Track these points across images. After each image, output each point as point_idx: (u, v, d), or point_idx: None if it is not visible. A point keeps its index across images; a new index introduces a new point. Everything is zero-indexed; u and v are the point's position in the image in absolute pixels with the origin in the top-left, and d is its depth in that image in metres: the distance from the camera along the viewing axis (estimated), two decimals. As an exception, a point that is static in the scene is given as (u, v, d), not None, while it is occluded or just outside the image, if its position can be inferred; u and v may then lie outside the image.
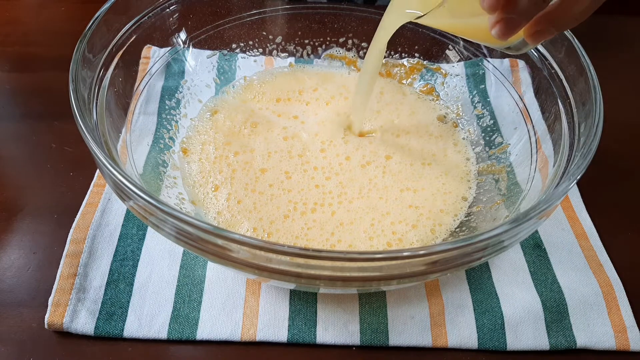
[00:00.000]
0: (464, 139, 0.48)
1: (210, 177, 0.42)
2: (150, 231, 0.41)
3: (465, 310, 0.38)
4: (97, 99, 0.36)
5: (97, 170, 0.45)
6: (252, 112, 0.48)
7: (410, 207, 0.41)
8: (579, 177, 0.31)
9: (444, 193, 0.43)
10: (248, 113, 0.48)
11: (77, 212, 0.42)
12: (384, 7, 0.39)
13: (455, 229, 0.41)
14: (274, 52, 0.53)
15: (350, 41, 0.54)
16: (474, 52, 0.49)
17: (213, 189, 0.41)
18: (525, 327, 0.38)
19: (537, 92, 0.43)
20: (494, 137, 0.47)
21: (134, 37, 0.42)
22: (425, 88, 0.52)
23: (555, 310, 0.38)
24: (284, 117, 0.48)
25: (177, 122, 0.46)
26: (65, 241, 0.40)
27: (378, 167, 0.44)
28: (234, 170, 0.43)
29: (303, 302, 0.38)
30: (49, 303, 0.37)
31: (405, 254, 0.26)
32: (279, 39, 0.53)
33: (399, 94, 0.51)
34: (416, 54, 0.53)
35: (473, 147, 0.47)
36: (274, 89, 0.50)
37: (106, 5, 0.39)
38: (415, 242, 0.39)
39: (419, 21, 0.34)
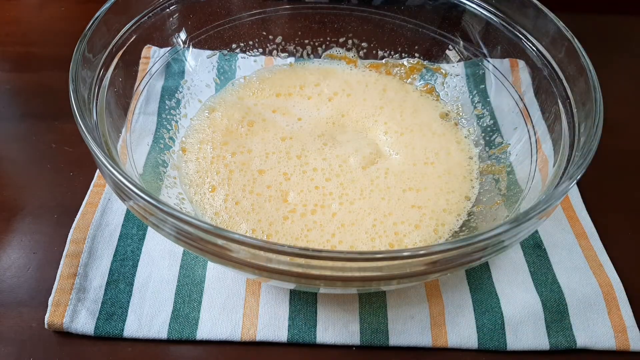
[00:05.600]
0: (466, 137, 0.47)
1: (207, 178, 0.42)
2: (150, 231, 0.41)
3: (465, 310, 0.38)
4: (97, 99, 0.36)
5: (97, 170, 0.45)
6: (249, 109, 0.48)
7: (413, 207, 0.41)
8: (579, 177, 0.31)
9: (447, 192, 0.43)
10: (245, 111, 0.47)
11: (77, 212, 0.42)
12: (384, 7, 0.39)
13: (458, 229, 0.41)
14: (274, 52, 0.53)
15: (350, 41, 0.54)
16: (474, 52, 0.49)
17: (210, 190, 0.41)
18: (525, 327, 0.38)
19: (537, 92, 0.43)
20: (494, 137, 0.47)
21: (134, 37, 0.42)
22: (425, 88, 0.52)
23: (555, 310, 0.38)
24: (283, 115, 0.48)
25: (177, 122, 0.46)
26: (65, 241, 0.40)
27: (380, 168, 0.44)
28: (232, 172, 0.43)
29: (303, 302, 0.38)
30: (49, 303, 0.37)
31: (405, 254, 0.26)
32: (279, 39, 0.53)
33: (401, 92, 0.51)
34: (416, 54, 0.53)
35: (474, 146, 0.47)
36: (273, 85, 0.50)
37: (106, 5, 0.39)
38: (418, 243, 0.39)
39: None
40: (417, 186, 0.43)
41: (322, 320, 0.37)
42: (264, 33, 0.53)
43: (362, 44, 0.54)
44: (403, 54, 0.53)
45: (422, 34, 0.52)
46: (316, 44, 0.54)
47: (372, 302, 0.38)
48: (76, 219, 0.41)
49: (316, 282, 0.29)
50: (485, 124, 0.48)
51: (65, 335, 0.36)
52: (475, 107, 0.49)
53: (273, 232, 0.39)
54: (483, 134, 0.47)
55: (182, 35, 0.48)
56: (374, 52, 0.54)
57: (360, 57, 0.54)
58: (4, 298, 0.38)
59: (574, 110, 0.38)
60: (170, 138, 0.45)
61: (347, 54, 0.54)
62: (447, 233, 0.40)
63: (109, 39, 0.40)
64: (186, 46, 0.49)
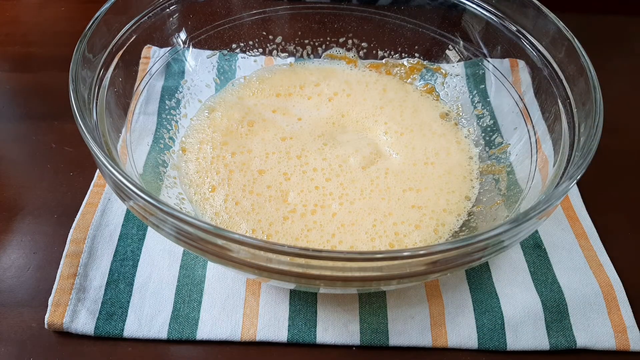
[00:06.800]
0: (466, 137, 0.47)
1: (207, 178, 0.42)
2: (150, 231, 0.41)
3: (465, 310, 0.38)
4: (97, 99, 0.36)
5: (97, 170, 0.45)
6: (249, 109, 0.48)
7: (413, 207, 0.41)
8: (579, 177, 0.31)
9: (447, 192, 0.43)
10: (245, 111, 0.47)
11: (77, 212, 0.42)
12: (384, 7, 0.39)
13: (458, 229, 0.41)
14: (274, 52, 0.53)
15: (350, 41, 0.54)
16: (474, 52, 0.49)
17: (210, 190, 0.41)
18: (525, 327, 0.38)
19: (537, 92, 0.43)
20: (494, 137, 0.47)
21: (134, 37, 0.42)
22: (425, 88, 0.52)
23: (555, 310, 0.38)
24: (283, 115, 0.48)
25: (177, 122, 0.46)
26: (65, 241, 0.40)
27: (380, 168, 0.44)
28: (232, 172, 0.43)
29: (303, 302, 0.38)
30: (49, 303, 0.37)
31: (405, 254, 0.26)
32: (279, 39, 0.53)
33: (401, 92, 0.51)
34: (416, 54, 0.53)
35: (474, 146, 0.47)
36: (273, 85, 0.50)
37: (106, 5, 0.39)
38: (418, 243, 0.39)
39: None
40: (417, 186, 0.43)
41: (322, 320, 0.37)
42: (264, 33, 0.53)
43: (362, 44, 0.54)
44: (403, 54, 0.53)
45: (422, 34, 0.52)
46: (316, 44, 0.54)
47: (372, 302, 0.38)
48: (76, 219, 0.41)
49: (316, 282, 0.29)
50: (485, 124, 0.48)
51: (65, 335, 0.36)
52: (475, 107, 0.49)
53: (273, 232, 0.39)
54: (483, 134, 0.47)
55: (182, 35, 0.48)
56: (374, 52, 0.54)
57: (360, 57, 0.54)
58: (4, 298, 0.38)
59: (574, 110, 0.38)
60: (170, 138, 0.45)
61: (347, 54, 0.54)
62: (447, 233, 0.40)
63: (109, 39, 0.40)
64: (186, 46, 0.49)
